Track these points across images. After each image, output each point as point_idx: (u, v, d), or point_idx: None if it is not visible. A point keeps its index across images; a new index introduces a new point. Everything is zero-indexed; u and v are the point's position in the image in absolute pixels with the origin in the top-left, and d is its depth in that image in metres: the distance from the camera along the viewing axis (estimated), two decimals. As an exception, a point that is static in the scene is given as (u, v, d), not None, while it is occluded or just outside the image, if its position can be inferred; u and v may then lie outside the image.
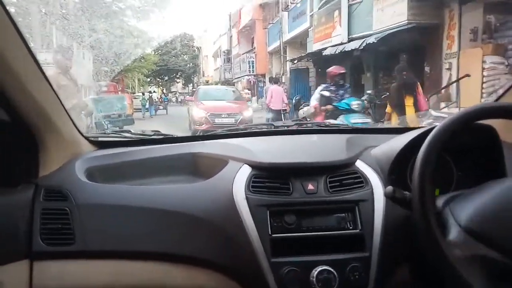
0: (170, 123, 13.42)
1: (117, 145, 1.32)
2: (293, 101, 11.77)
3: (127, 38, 18.01)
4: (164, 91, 40.93)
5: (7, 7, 0.79)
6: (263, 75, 21.46)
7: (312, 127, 1.66)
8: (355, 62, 11.03)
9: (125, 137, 1.42)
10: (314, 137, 1.46)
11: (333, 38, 11.23)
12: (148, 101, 19.71)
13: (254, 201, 0.98)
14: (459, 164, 1.06)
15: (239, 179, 1.03)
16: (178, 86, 49.05)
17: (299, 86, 14.73)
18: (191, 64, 44.25)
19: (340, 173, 1.05)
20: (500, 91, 1.21)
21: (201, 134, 1.65)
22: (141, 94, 22.34)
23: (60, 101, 1.08)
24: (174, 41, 42.63)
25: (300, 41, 16.64)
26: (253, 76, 21.09)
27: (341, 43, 10.58)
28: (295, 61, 14.57)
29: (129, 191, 1.08)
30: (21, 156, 1.08)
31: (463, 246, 0.73)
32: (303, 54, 13.37)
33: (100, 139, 1.34)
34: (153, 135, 1.44)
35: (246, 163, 1.07)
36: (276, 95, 9.81)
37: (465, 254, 0.72)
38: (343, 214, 1.00)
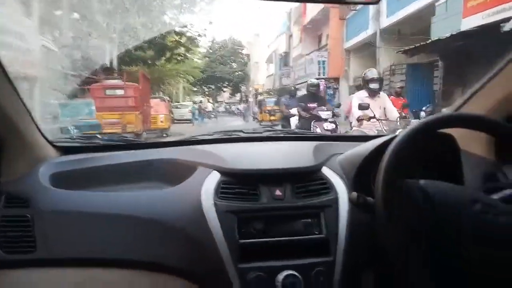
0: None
1: (83, 151, 1.31)
2: (423, 113, 7.50)
3: (166, 34, 15.36)
4: (211, 100, 38.58)
5: None
6: (336, 79, 16.83)
7: (281, 134, 1.67)
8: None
9: (92, 142, 1.40)
10: (283, 144, 1.48)
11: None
12: (197, 110, 21.61)
13: (222, 207, 1.00)
14: (422, 172, 1.00)
15: (208, 185, 1.05)
16: (224, 95, 46.50)
17: (416, 91, 9.83)
18: (239, 72, 40.99)
19: (307, 179, 1.09)
20: (460, 101, 1.19)
21: (170, 140, 1.51)
22: (191, 103, 24.09)
23: (25, 105, 1.07)
24: (222, 48, 39.90)
25: (398, 29, 12.05)
26: (323, 80, 16.27)
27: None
28: (409, 54, 9.59)
29: (94, 197, 1.09)
30: None
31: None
32: (433, 39, 8.26)
33: (65, 144, 1.33)
34: (120, 140, 1.46)
35: (215, 170, 1.09)
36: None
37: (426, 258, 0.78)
38: (309, 220, 1.03)
